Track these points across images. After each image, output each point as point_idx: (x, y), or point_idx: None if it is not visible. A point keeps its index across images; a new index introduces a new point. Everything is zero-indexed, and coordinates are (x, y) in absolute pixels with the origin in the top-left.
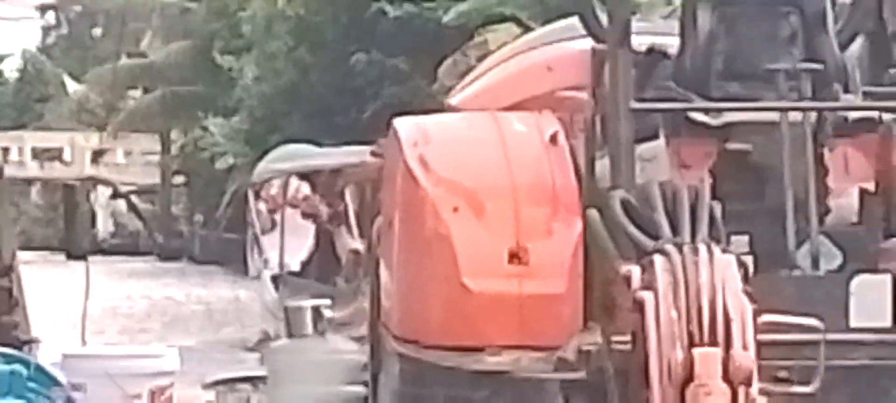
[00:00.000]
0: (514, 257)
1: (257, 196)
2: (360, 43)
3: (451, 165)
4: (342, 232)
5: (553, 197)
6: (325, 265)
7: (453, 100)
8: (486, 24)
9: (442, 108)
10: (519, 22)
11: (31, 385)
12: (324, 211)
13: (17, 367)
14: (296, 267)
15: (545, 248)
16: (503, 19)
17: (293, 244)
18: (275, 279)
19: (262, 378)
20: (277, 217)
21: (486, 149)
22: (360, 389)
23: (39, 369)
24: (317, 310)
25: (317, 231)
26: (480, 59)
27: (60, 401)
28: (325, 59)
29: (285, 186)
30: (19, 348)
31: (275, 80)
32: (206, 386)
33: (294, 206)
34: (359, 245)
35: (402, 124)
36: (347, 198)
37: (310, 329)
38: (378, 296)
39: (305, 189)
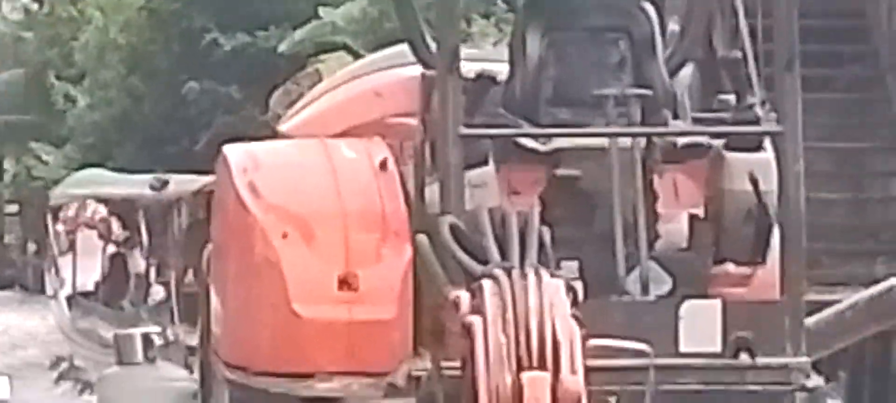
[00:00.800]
0: (343, 283)
1: (55, 217)
2: (192, 72)
3: (281, 191)
4: (135, 255)
5: (383, 223)
6: (116, 287)
7: (283, 126)
8: (319, 53)
9: (274, 136)
10: (351, 50)
11: None
12: (118, 233)
13: None
14: (90, 288)
15: (375, 274)
16: (336, 48)
17: (90, 265)
18: (69, 299)
19: None
20: (75, 238)
21: (315, 175)
22: None
23: None
24: (146, 337)
25: (111, 253)
26: (311, 87)
27: None
28: (157, 87)
29: (81, 209)
30: None
31: (107, 109)
32: None
33: (91, 228)
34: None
35: (232, 151)
36: (141, 222)
37: (140, 356)
38: (208, 323)
39: (102, 211)
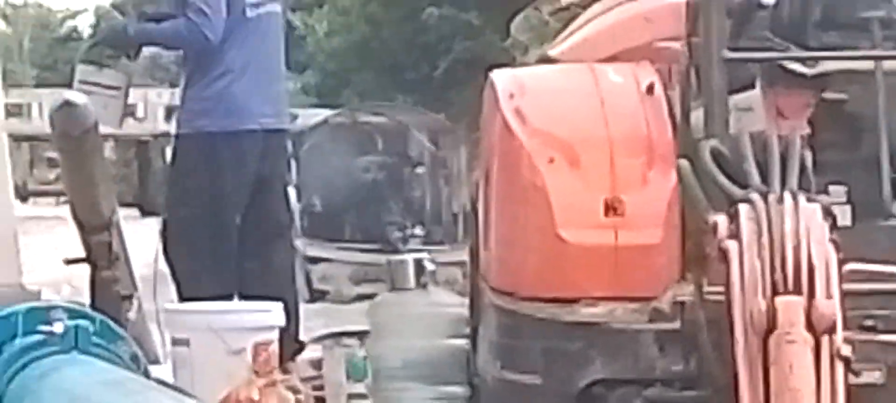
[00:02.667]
0: (609, 208)
1: None
2: None
3: (547, 116)
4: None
5: (649, 147)
6: None
7: (552, 52)
8: None
9: (513, 62)
10: None
11: (96, 340)
12: None
13: (82, 322)
14: None
15: (641, 199)
16: None
17: None
18: None
19: (365, 332)
20: None
21: (581, 100)
22: (462, 342)
23: (104, 324)
24: (419, 263)
25: None
26: (552, 13)
27: (126, 356)
28: (396, 13)
29: None
30: (120, 303)
31: (346, 36)
32: (312, 341)
33: None
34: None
35: (499, 76)
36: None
37: (412, 282)
38: (477, 249)
39: None
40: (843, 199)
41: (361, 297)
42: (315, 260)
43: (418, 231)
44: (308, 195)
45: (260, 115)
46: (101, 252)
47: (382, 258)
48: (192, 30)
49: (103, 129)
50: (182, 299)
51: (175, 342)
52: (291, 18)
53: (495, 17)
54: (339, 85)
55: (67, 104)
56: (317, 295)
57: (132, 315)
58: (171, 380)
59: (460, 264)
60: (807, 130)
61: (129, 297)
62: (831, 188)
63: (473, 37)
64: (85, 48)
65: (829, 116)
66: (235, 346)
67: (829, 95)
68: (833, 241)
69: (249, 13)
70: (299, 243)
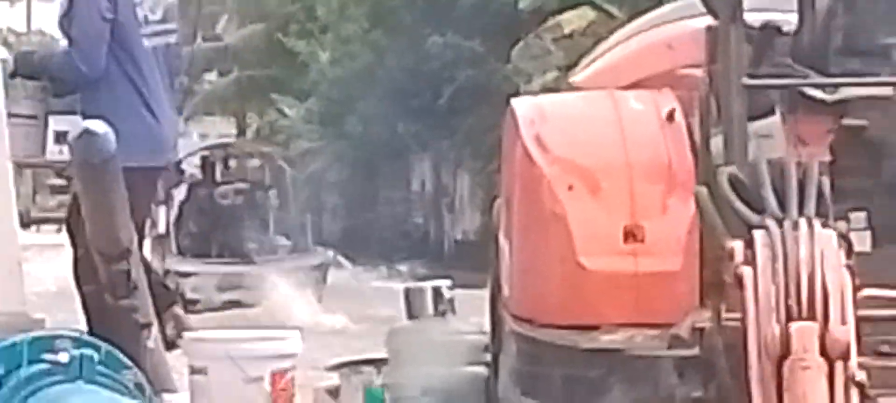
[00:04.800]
0: (629, 235)
1: None
2: (435, 26)
3: (567, 143)
4: None
5: (669, 174)
6: None
7: (574, 78)
8: (563, 9)
9: (516, 92)
10: (595, 6)
11: (101, 368)
12: None
13: (88, 351)
14: None
15: (661, 226)
16: (578, 4)
17: None
18: None
19: (383, 360)
20: None
21: (601, 126)
22: (481, 369)
23: (110, 353)
24: (437, 291)
25: None
26: (555, 41)
27: (131, 385)
28: (400, 42)
29: None
30: (139, 331)
31: (350, 63)
32: (330, 368)
33: None
34: None
35: (520, 103)
36: None
37: (430, 310)
38: (498, 276)
39: None
40: (864, 225)
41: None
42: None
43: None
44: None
45: (138, 153)
46: (120, 280)
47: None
48: (70, 62)
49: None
50: (89, 326)
51: (193, 370)
52: (294, 45)
53: (499, 44)
54: (343, 112)
55: (88, 132)
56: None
57: (151, 343)
58: None
59: None
60: (827, 157)
61: (148, 325)
62: (852, 214)
63: (477, 65)
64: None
65: (849, 142)
66: (253, 374)
67: (849, 122)
68: (848, 267)
69: (147, 43)
70: (173, 261)
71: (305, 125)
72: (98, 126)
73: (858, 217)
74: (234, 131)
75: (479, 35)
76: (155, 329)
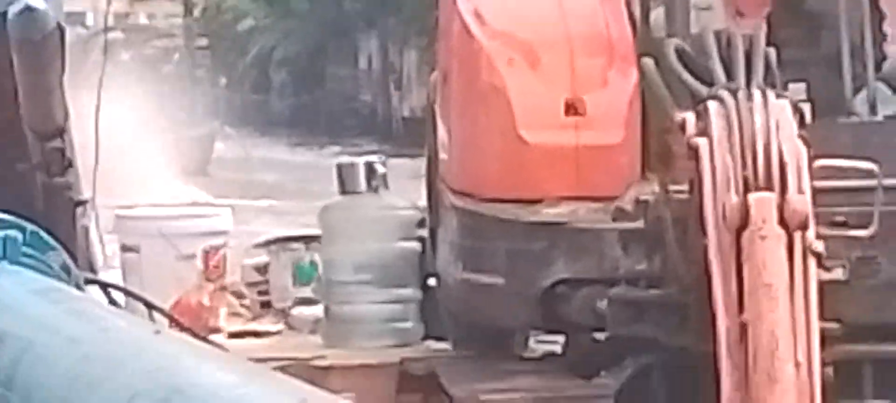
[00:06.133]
0: (570, 108)
1: None
2: None
3: (506, 17)
4: None
5: (609, 47)
6: None
7: None
8: None
9: None
10: None
11: (26, 250)
12: None
13: (12, 232)
14: None
15: (602, 99)
16: None
17: None
18: None
19: (315, 237)
20: None
21: (541, 1)
22: (414, 245)
23: (35, 234)
24: (370, 166)
25: None
26: None
27: (56, 266)
28: None
29: None
30: (73, 209)
31: None
32: (258, 245)
33: None
34: None
35: None
36: None
37: (363, 185)
38: (435, 150)
39: None
40: (803, 97)
41: None
42: None
43: None
44: None
45: None
46: (55, 158)
47: None
48: None
49: None
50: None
51: (124, 248)
52: None
53: None
54: None
55: (28, 8)
56: None
57: (86, 221)
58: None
59: None
60: (763, 28)
61: (83, 203)
62: (791, 85)
63: None
64: None
65: (787, 13)
66: (185, 251)
67: None
68: (802, 137)
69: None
70: None
71: (252, 3)
72: (38, 2)
73: (798, 88)
74: (180, 10)
75: None
76: (93, 205)
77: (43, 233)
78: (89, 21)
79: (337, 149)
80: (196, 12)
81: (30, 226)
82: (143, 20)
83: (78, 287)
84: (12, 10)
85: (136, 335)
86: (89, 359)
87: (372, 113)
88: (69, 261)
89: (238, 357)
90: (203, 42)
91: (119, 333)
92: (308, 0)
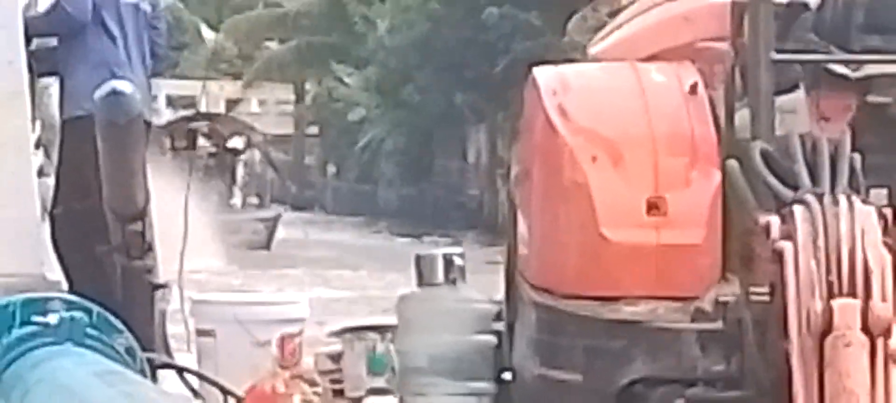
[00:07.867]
0: (652, 207)
1: None
2: None
3: (591, 114)
4: None
5: (692, 147)
6: None
7: (592, 49)
8: None
9: (574, 60)
10: None
11: (91, 332)
12: None
13: (78, 314)
14: None
15: (684, 198)
16: None
17: None
18: None
19: (391, 327)
20: None
21: (625, 98)
22: (490, 338)
23: (101, 317)
24: (448, 259)
25: None
26: (611, 14)
27: (122, 349)
28: (457, 12)
29: None
30: (151, 292)
31: (408, 32)
32: (332, 334)
33: None
34: None
35: (542, 73)
36: None
37: (440, 277)
38: (515, 245)
39: None
40: (885, 202)
41: None
42: None
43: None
44: None
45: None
46: (135, 241)
47: None
48: (59, 11)
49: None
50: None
51: (200, 333)
52: (351, 12)
53: (555, 17)
54: (401, 81)
55: (114, 93)
56: None
57: (164, 304)
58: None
59: None
60: (848, 133)
61: (161, 286)
62: (873, 191)
63: (533, 37)
64: None
65: (871, 119)
66: (261, 338)
67: (872, 99)
68: (887, 244)
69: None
70: None
71: (363, 93)
72: (125, 86)
73: (879, 194)
74: (292, 97)
75: (536, 7)
76: (169, 290)
77: (110, 317)
78: (202, 106)
79: (445, 240)
80: (307, 100)
81: (96, 309)
82: (254, 108)
83: (142, 371)
84: (99, 94)
85: None
86: None
87: (478, 207)
88: (135, 345)
89: None
90: (314, 130)
91: None
92: (419, 92)
